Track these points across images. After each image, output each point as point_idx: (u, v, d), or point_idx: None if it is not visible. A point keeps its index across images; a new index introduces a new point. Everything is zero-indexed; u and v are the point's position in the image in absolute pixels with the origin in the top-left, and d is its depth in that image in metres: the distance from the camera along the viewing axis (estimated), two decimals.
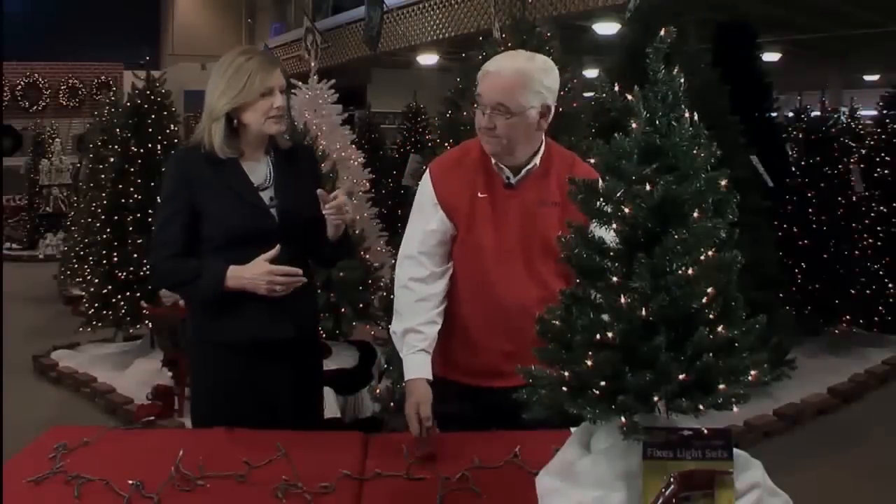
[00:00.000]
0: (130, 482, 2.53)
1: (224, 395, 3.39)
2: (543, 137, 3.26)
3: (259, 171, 3.36)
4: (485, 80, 3.13)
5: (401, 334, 3.22)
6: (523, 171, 3.20)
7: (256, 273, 3.18)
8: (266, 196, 3.33)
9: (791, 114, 9.63)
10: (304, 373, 3.52)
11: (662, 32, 2.09)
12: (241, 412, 3.29)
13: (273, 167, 3.38)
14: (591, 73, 17.05)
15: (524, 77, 3.08)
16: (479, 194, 3.22)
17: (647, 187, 2.02)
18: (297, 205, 3.32)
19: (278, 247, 3.19)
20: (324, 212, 3.27)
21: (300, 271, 3.23)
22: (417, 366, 3.14)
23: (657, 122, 2.08)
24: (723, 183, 2.11)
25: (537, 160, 3.22)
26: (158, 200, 3.50)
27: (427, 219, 3.28)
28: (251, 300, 3.25)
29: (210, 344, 3.41)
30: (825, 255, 8.27)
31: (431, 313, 3.21)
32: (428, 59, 17.47)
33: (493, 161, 3.22)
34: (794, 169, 8.76)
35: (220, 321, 3.35)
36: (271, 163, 3.39)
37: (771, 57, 14.70)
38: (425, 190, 3.31)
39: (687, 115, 2.11)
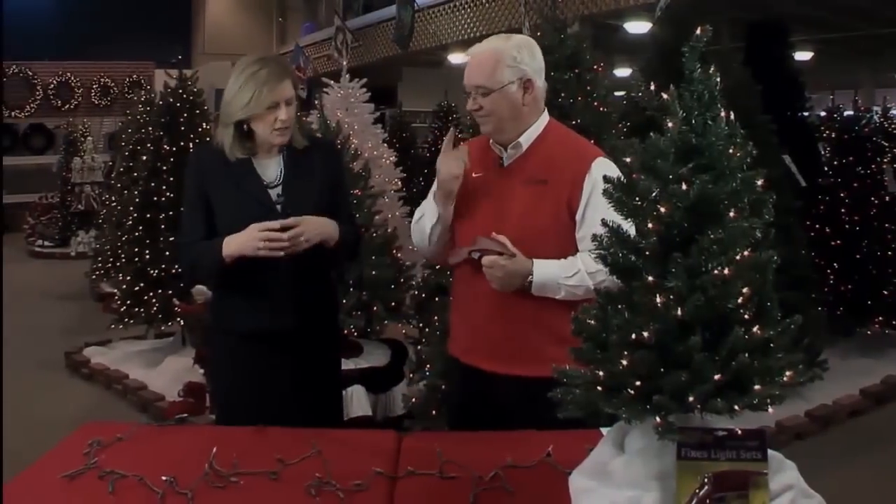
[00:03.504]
0: (164, 478, 2.55)
1: (237, 385, 3.53)
2: (546, 117, 3.39)
3: (271, 169, 3.48)
4: (466, 68, 3.31)
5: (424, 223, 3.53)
6: (509, 150, 3.32)
7: (245, 237, 3.27)
8: (274, 194, 3.44)
9: (823, 113, 9.56)
10: (316, 365, 3.59)
11: (698, 31, 2.09)
12: (253, 402, 3.43)
13: (285, 165, 3.48)
14: (621, 72, 17.00)
15: (497, 54, 3.26)
16: (474, 174, 3.37)
17: (683, 187, 2.01)
18: (303, 201, 3.42)
19: (279, 221, 3.28)
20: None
21: (283, 236, 3.26)
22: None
23: (693, 122, 2.07)
24: (759, 182, 2.11)
25: (525, 139, 3.32)
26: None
27: (430, 194, 3.53)
28: (261, 289, 3.39)
29: (223, 333, 3.57)
30: (858, 256, 8.20)
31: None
32: (458, 58, 17.41)
33: (492, 141, 3.37)
34: (826, 168, 8.70)
35: (230, 310, 3.51)
36: (284, 161, 3.49)
37: (803, 56, 14.60)
38: None
39: (723, 114, 2.10)
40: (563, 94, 4.64)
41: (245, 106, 3.32)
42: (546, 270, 3.16)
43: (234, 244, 3.27)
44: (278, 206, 3.41)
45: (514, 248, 3.14)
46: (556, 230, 3.21)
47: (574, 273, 3.11)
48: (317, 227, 3.35)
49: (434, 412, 5.01)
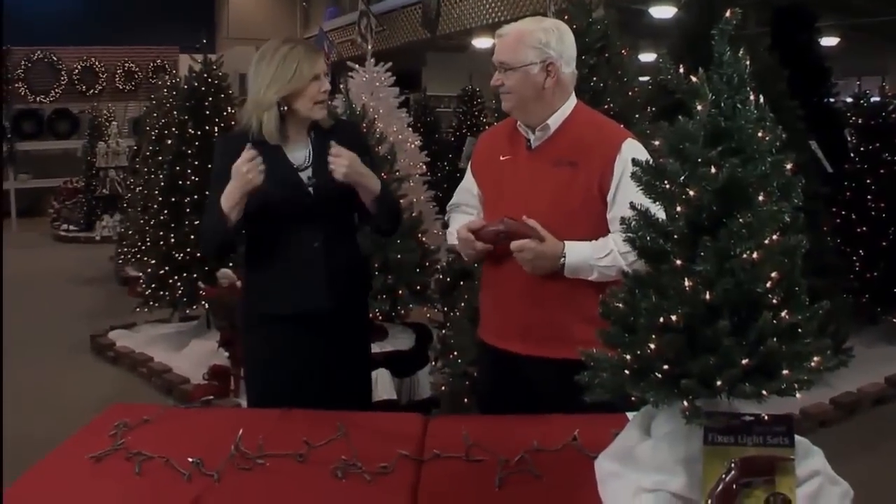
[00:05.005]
0: (190, 460, 2.57)
1: (270, 367, 3.52)
2: (573, 100, 3.37)
3: (300, 151, 3.49)
4: (496, 45, 3.31)
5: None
6: (537, 132, 3.31)
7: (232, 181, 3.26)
8: (305, 175, 3.45)
9: (850, 99, 9.49)
10: (348, 347, 3.60)
11: (728, 14, 2.08)
12: (287, 384, 3.42)
13: (313, 147, 3.49)
14: (646, 56, 16.90)
15: (523, 34, 3.25)
16: (501, 157, 3.40)
17: (712, 170, 2.00)
18: (334, 181, 3.39)
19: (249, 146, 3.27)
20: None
21: (258, 159, 3.24)
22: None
23: (722, 105, 2.06)
24: (788, 166, 2.10)
25: (553, 121, 3.30)
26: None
27: (466, 178, 3.61)
28: (293, 272, 3.41)
29: (255, 316, 3.56)
30: (884, 243, 8.13)
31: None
32: (483, 42, 17.34)
33: (518, 124, 3.36)
34: (852, 155, 8.64)
35: (263, 294, 3.51)
36: (312, 143, 3.50)
37: (829, 41, 14.49)
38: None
39: (752, 97, 2.09)
40: (594, 79, 4.63)
41: (290, 80, 3.34)
42: (578, 252, 3.14)
43: (230, 191, 3.25)
44: (310, 189, 3.42)
45: (544, 231, 3.13)
46: (586, 212, 3.19)
47: (606, 254, 3.09)
48: (356, 163, 3.33)
49: (466, 400, 4.96)
